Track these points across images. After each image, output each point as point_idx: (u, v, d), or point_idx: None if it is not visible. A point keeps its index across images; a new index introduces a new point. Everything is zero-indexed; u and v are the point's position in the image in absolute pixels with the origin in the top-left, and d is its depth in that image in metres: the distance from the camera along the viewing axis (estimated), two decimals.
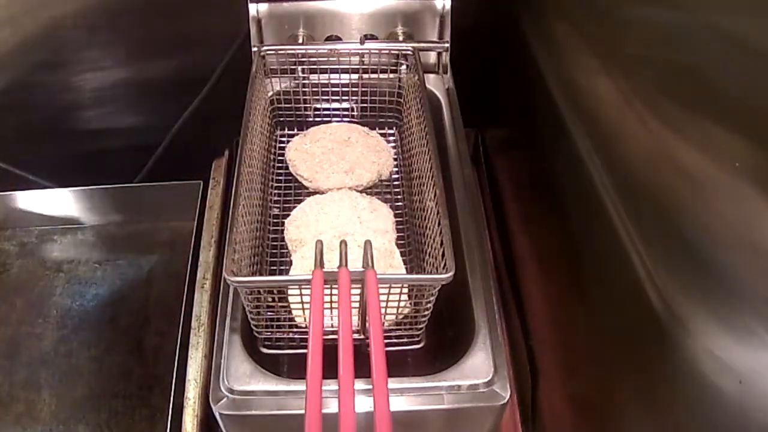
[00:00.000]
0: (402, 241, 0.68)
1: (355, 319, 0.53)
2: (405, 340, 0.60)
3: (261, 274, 0.64)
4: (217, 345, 0.57)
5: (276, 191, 0.73)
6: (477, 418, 0.57)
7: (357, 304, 0.52)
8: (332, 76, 0.77)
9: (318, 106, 0.79)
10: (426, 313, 0.57)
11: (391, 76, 0.77)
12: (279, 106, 0.77)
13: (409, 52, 0.74)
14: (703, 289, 0.37)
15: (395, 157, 0.76)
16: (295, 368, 0.68)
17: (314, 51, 0.75)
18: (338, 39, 0.80)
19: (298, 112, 0.78)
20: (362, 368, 0.45)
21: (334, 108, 0.79)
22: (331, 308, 0.51)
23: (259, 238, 0.66)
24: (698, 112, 0.38)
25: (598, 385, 0.56)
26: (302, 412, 0.41)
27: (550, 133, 0.67)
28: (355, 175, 0.70)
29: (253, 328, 0.57)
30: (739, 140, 0.34)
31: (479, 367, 0.55)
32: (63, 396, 0.79)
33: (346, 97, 0.78)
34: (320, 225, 0.65)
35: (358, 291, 0.51)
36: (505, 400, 0.54)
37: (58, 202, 0.94)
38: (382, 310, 0.52)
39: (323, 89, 0.77)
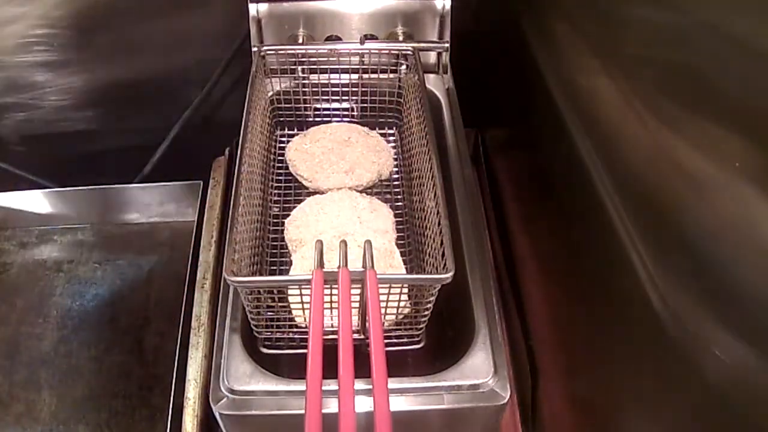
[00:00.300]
0: (402, 241, 0.68)
1: (355, 319, 0.53)
2: (405, 340, 0.60)
3: (261, 274, 0.64)
4: (217, 345, 0.57)
5: (276, 191, 0.73)
6: (477, 418, 0.56)
7: (357, 304, 0.52)
8: (332, 76, 0.77)
9: (318, 106, 0.79)
10: (426, 313, 0.57)
11: (391, 76, 0.77)
12: (279, 106, 0.77)
13: (409, 52, 0.74)
14: (703, 289, 0.37)
15: (395, 157, 0.76)
16: (295, 368, 0.67)
17: (314, 51, 0.75)
18: (338, 39, 0.80)
19: (298, 112, 0.78)
20: (362, 368, 0.45)
21: (334, 108, 0.79)
22: (331, 308, 0.51)
23: (259, 238, 0.66)
24: (698, 112, 0.38)
25: (598, 385, 0.56)
26: (302, 412, 0.41)
27: (550, 133, 0.67)
28: (355, 175, 0.70)
29: (253, 328, 0.57)
30: (739, 140, 0.34)
31: (479, 367, 0.55)
32: (63, 396, 0.79)
33: (346, 97, 0.78)
34: (320, 225, 0.65)
35: (358, 291, 0.51)
36: (505, 400, 0.54)
37: (58, 202, 0.94)
38: (382, 310, 0.52)
39: (323, 89, 0.77)
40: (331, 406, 0.51)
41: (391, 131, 0.80)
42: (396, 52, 0.75)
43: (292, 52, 0.74)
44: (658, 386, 0.43)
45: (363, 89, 0.77)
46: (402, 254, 0.64)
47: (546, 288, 0.71)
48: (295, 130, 0.79)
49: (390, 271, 0.61)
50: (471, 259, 0.64)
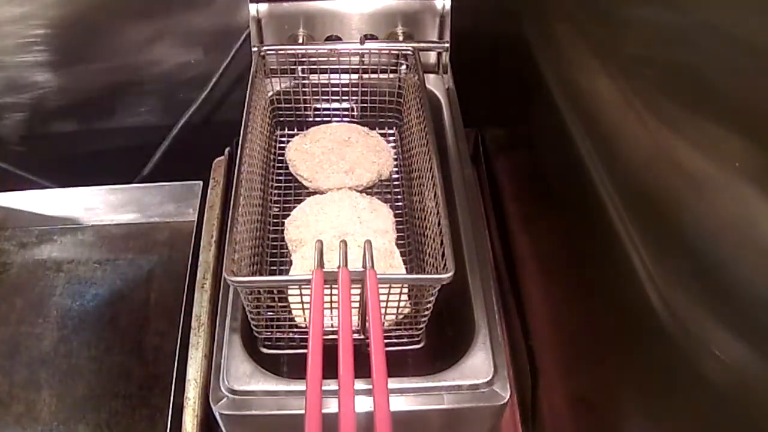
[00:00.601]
0: (402, 241, 0.68)
1: (355, 319, 0.53)
2: (405, 340, 0.60)
3: (261, 274, 0.64)
4: (217, 345, 0.57)
5: (276, 191, 0.73)
6: (477, 418, 0.56)
7: (357, 304, 0.52)
8: (332, 76, 0.77)
9: (318, 106, 0.79)
10: (426, 313, 0.57)
11: (391, 76, 0.77)
12: (279, 106, 0.77)
13: (409, 52, 0.74)
14: (703, 289, 0.37)
15: (395, 157, 0.76)
16: (295, 368, 0.67)
17: (314, 51, 0.75)
18: (338, 39, 0.80)
19: (298, 112, 0.78)
20: (362, 368, 0.45)
21: (334, 108, 0.79)
22: (331, 308, 0.51)
23: (259, 238, 0.66)
24: (698, 112, 0.38)
25: (598, 385, 0.56)
26: (302, 412, 0.41)
27: (550, 133, 0.67)
28: (355, 175, 0.70)
29: (253, 328, 0.57)
30: (739, 140, 0.34)
31: (479, 367, 0.55)
32: (63, 396, 0.79)
33: (346, 97, 0.78)
34: (320, 225, 0.65)
35: (358, 291, 0.51)
36: (505, 400, 0.54)
37: (58, 202, 0.94)
38: (382, 310, 0.52)
39: (323, 89, 0.77)
40: (331, 406, 0.51)
41: (391, 131, 0.80)
42: (396, 52, 0.75)
43: (292, 52, 0.74)
44: (658, 386, 0.43)
45: (363, 89, 0.77)
46: (402, 254, 0.64)
47: (546, 288, 0.71)
48: (295, 130, 0.79)
49: (390, 271, 0.61)
50: (471, 259, 0.64)
